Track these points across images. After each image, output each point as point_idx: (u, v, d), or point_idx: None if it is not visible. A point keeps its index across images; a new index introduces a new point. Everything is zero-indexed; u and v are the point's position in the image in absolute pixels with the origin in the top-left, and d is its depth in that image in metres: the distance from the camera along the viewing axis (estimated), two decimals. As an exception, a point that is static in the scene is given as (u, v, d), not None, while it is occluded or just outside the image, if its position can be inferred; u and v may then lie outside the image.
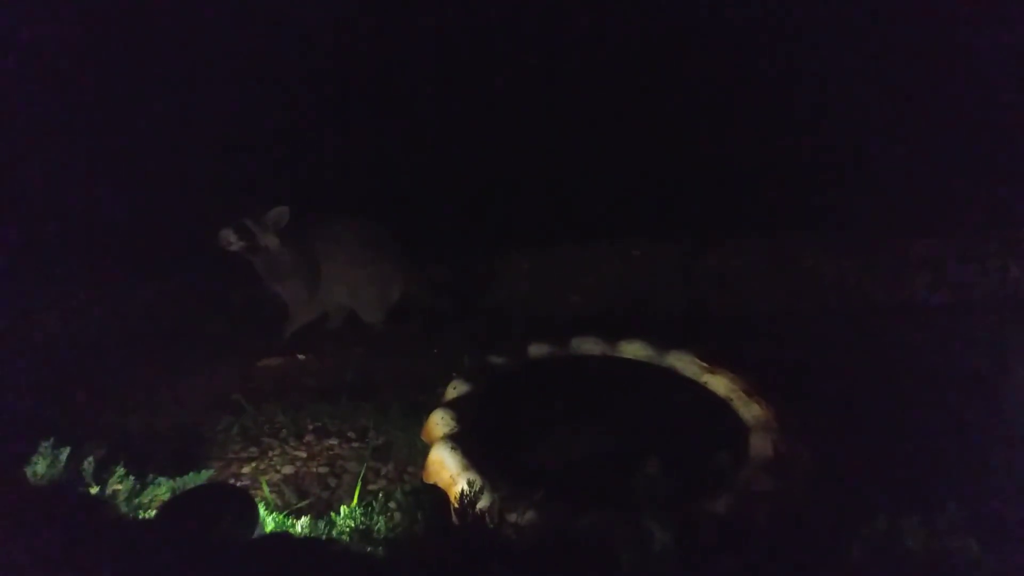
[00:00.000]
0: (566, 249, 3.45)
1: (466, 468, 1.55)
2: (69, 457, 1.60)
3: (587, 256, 3.41)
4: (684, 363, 2.04)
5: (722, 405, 1.87)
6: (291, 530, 1.53)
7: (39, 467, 1.57)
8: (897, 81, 3.82)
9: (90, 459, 1.61)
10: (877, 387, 2.15)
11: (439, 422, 1.77)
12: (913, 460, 1.72)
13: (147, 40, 3.66)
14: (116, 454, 1.68)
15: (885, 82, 3.84)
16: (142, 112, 3.68)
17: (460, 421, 1.76)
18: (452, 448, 1.61)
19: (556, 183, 3.86)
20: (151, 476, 1.65)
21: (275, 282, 2.72)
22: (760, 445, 1.64)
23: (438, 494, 1.53)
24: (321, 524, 1.53)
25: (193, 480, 1.67)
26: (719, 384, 1.93)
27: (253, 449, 2.02)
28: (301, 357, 2.69)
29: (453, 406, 1.83)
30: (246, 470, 1.92)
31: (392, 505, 1.55)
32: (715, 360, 2.01)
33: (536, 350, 2.18)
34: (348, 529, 1.49)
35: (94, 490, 1.57)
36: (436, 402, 1.92)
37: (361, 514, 1.53)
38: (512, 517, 1.37)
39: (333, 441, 2.06)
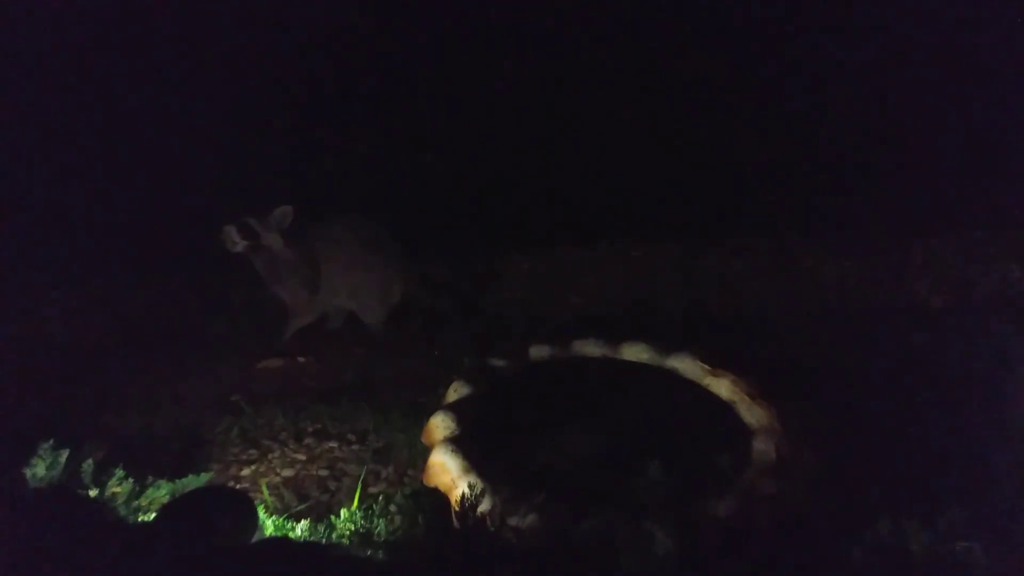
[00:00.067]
0: (567, 250, 3.45)
1: (467, 471, 1.54)
2: (68, 459, 1.60)
3: (588, 257, 3.40)
4: (686, 365, 2.04)
5: (724, 407, 1.86)
6: (291, 533, 1.52)
7: (38, 469, 1.56)
8: (897, 82, 3.82)
9: (89, 461, 1.61)
10: (879, 389, 2.14)
11: (440, 424, 1.76)
12: (915, 462, 1.71)
13: (149, 40, 3.66)
14: (115, 456, 1.67)
15: (885, 83, 3.84)
16: (144, 112, 3.68)
17: (461, 423, 1.75)
18: (453, 451, 1.61)
19: (557, 184, 3.86)
20: (150, 478, 1.64)
21: (275, 283, 2.71)
22: (762, 447, 1.63)
23: (439, 497, 1.53)
24: (321, 527, 1.52)
25: (192, 482, 1.66)
26: (721, 386, 1.92)
27: (253, 451, 2.01)
28: (301, 359, 2.68)
29: (454, 408, 1.82)
30: (246, 472, 1.92)
31: (392, 508, 1.55)
32: (716, 362, 2.00)
33: (537, 352, 2.17)
34: (348, 532, 1.49)
35: (93, 492, 1.57)
36: (437, 404, 1.91)
37: (361, 517, 1.52)
38: (513, 520, 1.36)
39: (333, 443, 2.06)
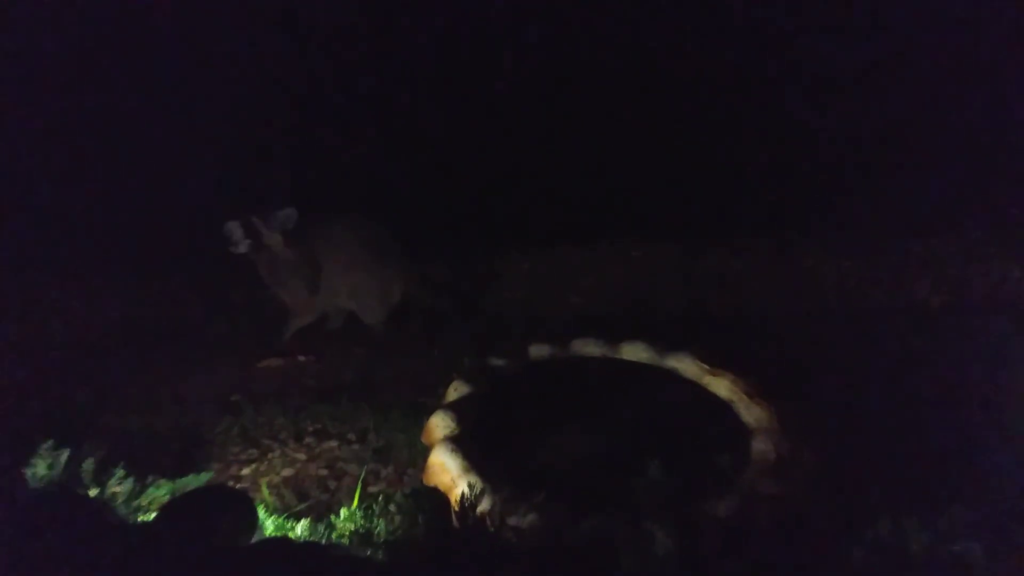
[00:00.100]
0: (566, 250, 3.45)
1: (467, 470, 1.54)
2: (69, 459, 1.60)
3: (587, 257, 3.41)
4: (685, 365, 2.04)
5: (723, 407, 1.87)
6: (291, 532, 1.52)
7: (39, 468, 1.56)
8: (897, 82, 3.82)
9: (90, 460, 1.61)
10: (878, 388, 2.14)
11: (439, 424, 1.76)
12: (915, 462, 1.71)
13: (150, 40, 3.66)
14: (116, 456, 1.67)
15: (885, 83, 3.84)
16: (144, 112, 3.68)
17: (461, 423, 1.75)
18: (453, 450, 1.61)
19: (557, 184, 3.86)
20: (151, 478, 1.64)
21: (276, 283, 2.72)
22: (762, 447, 1.64)
23: (438, 496, 1.53)
24: (321, 527, 1.52)
25: (193, 482, 1.66)
26: (720, 386, 1.93)
27: (253, 451, 2.01)
28: (301, 358, 2.68)
29: (454, 408, 1.83)
30: (246, 472, 1.92)
31: (392, 507, 1.54)
32: (716, 362, 2.01)
33: (536, 352, 2.18)
34: (348, 532, 1.49)
35: (93, 492, 1.57)
36: (436, 404, 1.91)
37: (361, 516, 1.52)
38: (513, 520, 1.36)
39: (333, 443, 2.06)
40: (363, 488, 1.79)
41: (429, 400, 2.15)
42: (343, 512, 1.55)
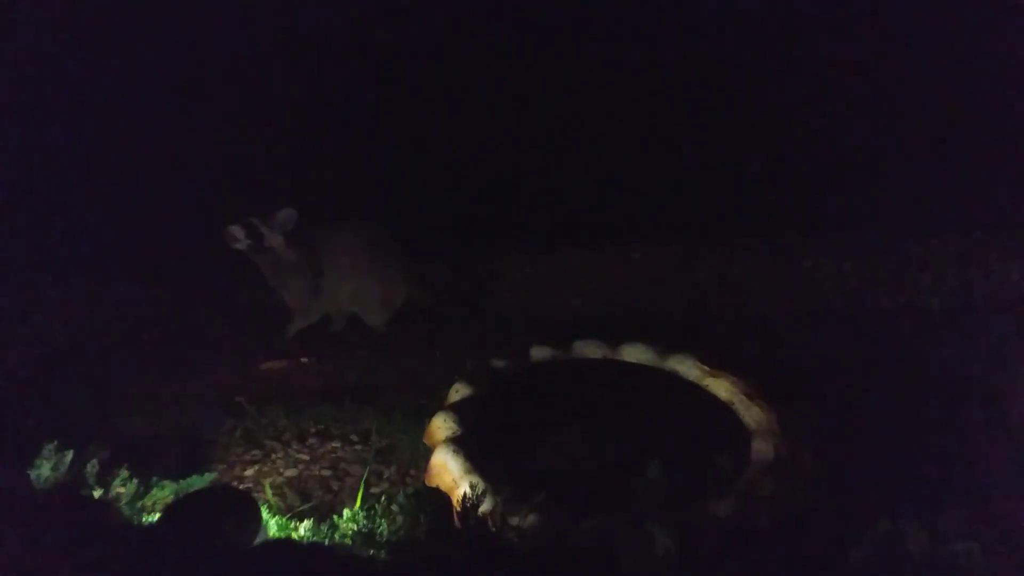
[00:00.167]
0: (567, 252, 3.45)
1: (468, 471, 1.55)
2: (73, 460, 1.61)
3: (588, 259, 3.41)
4: (685, 366, 2.05)
5: (723, 408, 1.87)
6: (294, 533, 1.53)
7: (43, 470, 1.57)
8: (897, 83, 3.83)
9: (94, 462, 1.62)
10: (878, 390, 2.15)
11: (441, 425, 1.77)
12: (915, 463, 1.72)
13: (152, 41, 3.67)
14: (120, 457, 1.69)
15: (885, 84, 3.85)
16: (146, 113, 3.70)
17: (462, 424, 1.76)
18: (454, 451, 1.62)
19: (557, 186, 3.87)
20: (154, 479, 1.66)
21: (278, 284, 2.74)
22: (761, 448, 1.64)
23: (440, 497, 1.54)
24: (324, 527, 1.53)
25: (196, 483, 1.67)
26: (720, 387, 1.93)
27: (256, 452, 2.03)
28: (304, 360, 2.69)
29: (455, 409, 1.84)
30: (249, 472, 1.93)
31: (395, 508, 1.55)
32: (716, 363, 2.01)
33: (538, 353, 2.18)
34: (351, 532, 1.50)
35: (98, 493, 1.58)
36: (438, 405, 1.92)
37: (364, 517, 1.53)
38: (514, 520, 1.37)
39: (336, 444, 2.07)
40: (366, 489, 1.80)
41: (431, 401, 2.16)
42: (346, 512, 1.56)
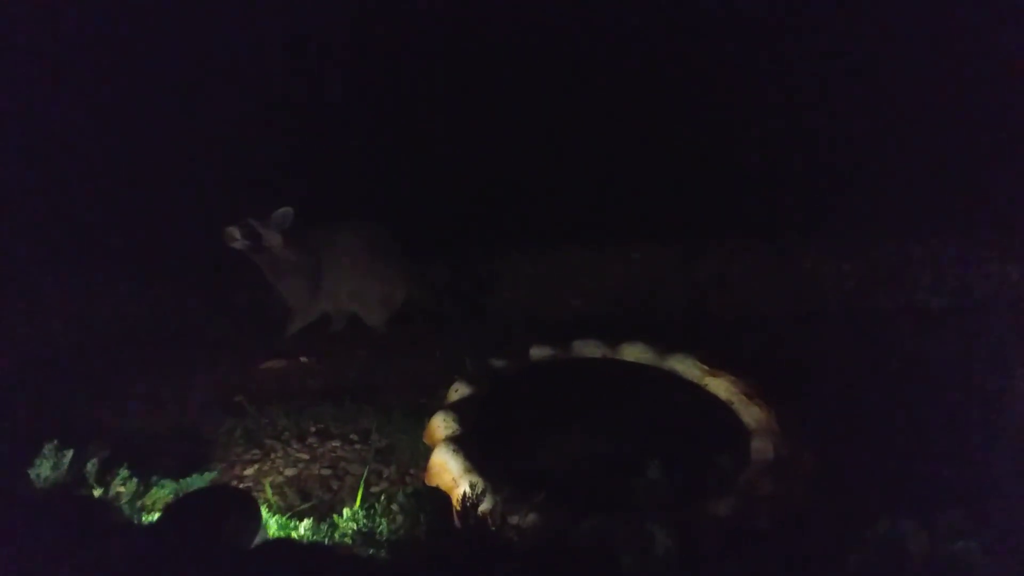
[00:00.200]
0: (567, 252, 3.46)
1: (468, 470, 1.55)
2: (72, 459, 1.61)
3: (588, 259, 3.41)
4: (685, 366, 2.05)
5: (723, 408, 1.87)
6: (294, 532, 1.53)
7: (43, 469, 1.57)
8: (896, 82, 3.83)
9: (93, 461, 1.62)
10: (878, 389, 2.15)
11: (441, 424, 1.77)
12: (915, 463, 1.72)
13: (152, 40, 3.67)
14: (119, 456, 1.68)
15: (884, 83, 3.85)
16: (146, 113, 3.69)
17: (462, 423, 1.76)
18: (454, 450, 1.62)
19: (557, 185, 3.87)
20: (154, 478, 1.65)
21: (278, 283, 2.74)
22: (761, 448, 1.64)
23: (440, 496, 1.54)
24: (323, 526, 1.53)
25: (196, 482, 1.67)
26: (720, 387, 1.93)
27: (256, 451, 2.03)
28: (304, 360, 2.69)
29: (455, 408, 1.84)
30: (249, 472, 1.93)
31: (394, 507, 1.55)
32: (716, 363, 2.01)
33: (537, 353, 2.19)
34: (351, 531, 1.50)
35: (97, 492, 1.58)
36: (438, 405, 1.92)
37: (363, 516, 1.53)
38: (514, 520, 1.37)
39: (336, 443, 2.07)
40: (365, 488, 1.80)
41: (431, 401, 2.16)
42: (346, 512, 1.56)
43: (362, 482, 1.81)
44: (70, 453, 1.61)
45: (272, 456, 2.00)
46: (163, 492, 1.61)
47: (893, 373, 2.30)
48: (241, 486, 1.84)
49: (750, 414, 1.79)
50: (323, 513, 1.66)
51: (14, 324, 2.87)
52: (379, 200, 3.38)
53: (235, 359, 2.69)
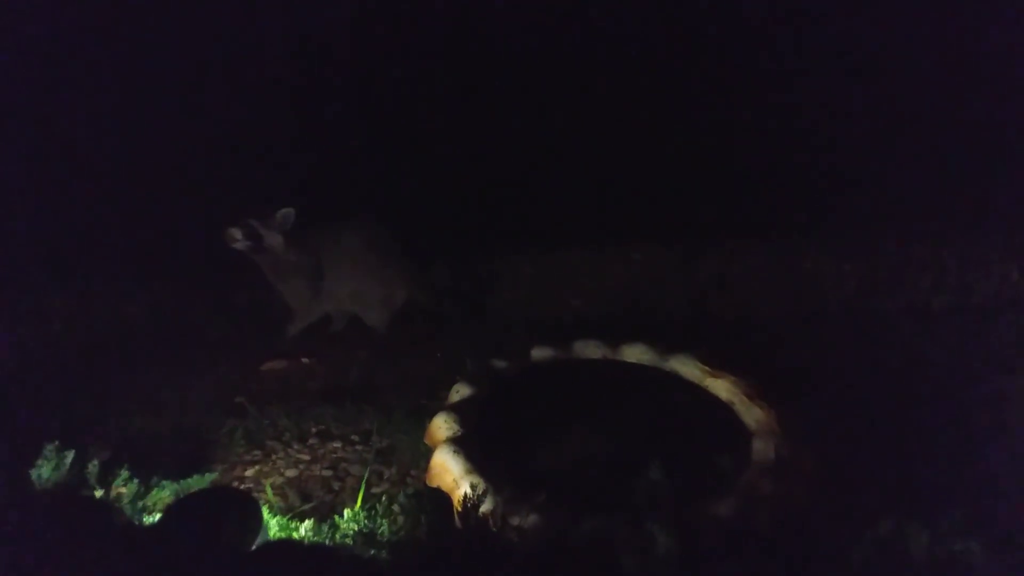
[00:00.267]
0: (568, 253, 3.46)
1: (469, 471, 1.55)
2: (74, 460, 1.61)
3: (588, 260, 3.41)
4: (686, 367, 2.05)
5: (724, 409, 1.87)
6: (295, 533, 1.53)
7: (44, 470, 1.57)
8: (897, 83, 3.83)
9: (95, 462, 1.62)
10: (879, 390, 2.15)
11: (442, 425, 1.77)
12: (915, 463, 1.72)
13: (152, 40, 3.68)
14: (120, 457, 1.69)
15: (885, 84, 3.85)
16: (147, 113, 3.70)
17: (463, 424, 1.76)
18: (455, 451, 1.62)
19: (557, 186, 3.88)
20: (155, 479, 1.66)
21: (279, 283, 2.75)
22: (762, 449, 1.64)
23: (441, 497, 1.54)
24: (324, 527, 1.53)
25: (197, 483, 1.68)
26: (721, 388, 1.93)
27: (257, 452, 2.03)
28: (305, 360, 2.70)
29: (456, 409, 1.84)
30: (250, 473, 1.93)
31: (395, 508, 1.55)
32: (717, 363, 2.01)
33: (538, 354, 2.18)
34: (351, 532, 1.50)
35: (99, 493, 1.58)
36: (439, 405, 1.92)
37: (364, 517, 1.53)
38: (515, 520, 1.37)
39: (336, 444, 2.07)
40: (366, 489, 1.80)
41: (432, 402, 2.16)
42: (347, 513, 1.56)
43: (363, 483, 1.81)
44: (71, 454, 1.61)
45: (273, 457, 2.00)
46: (164, 493, 1.61)
47: (894, 373, 2.30)
48: (242, 487, 1.84)
49: (751, 415, 1.79)
50: (324, 514, 1.66)
51: (15, 324, 2.87)
52: (380, 200, 3.38)
53: (236, 360, 2.69)
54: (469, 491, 1.45)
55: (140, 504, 1.58)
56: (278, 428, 2.15)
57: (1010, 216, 3.32)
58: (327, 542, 1.48)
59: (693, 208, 3.69)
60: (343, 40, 3.92)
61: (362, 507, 1.60)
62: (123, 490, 1.59)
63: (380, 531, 1.48)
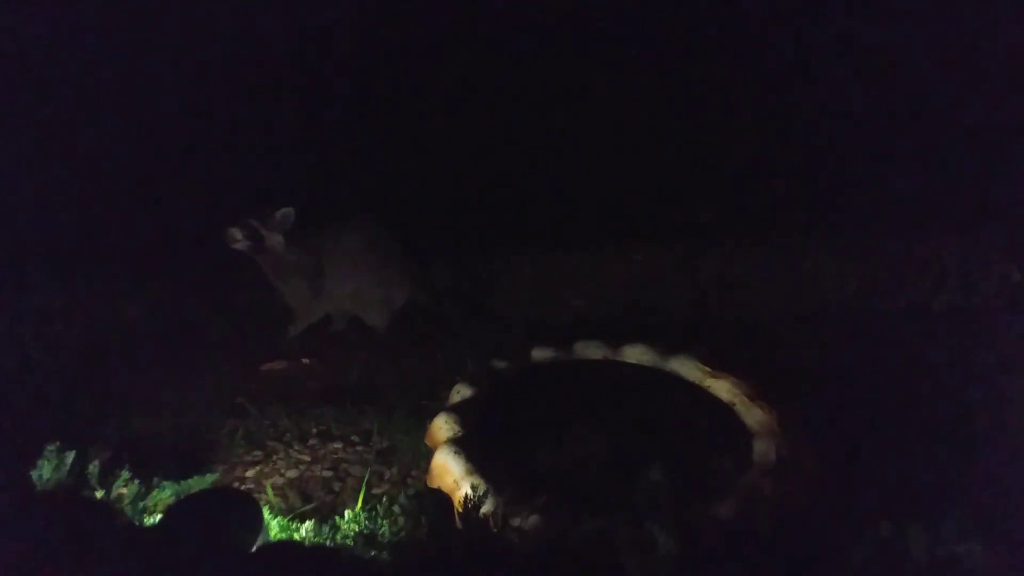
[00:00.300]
0: (568, 253, 3.46)
1: (470, 472, 1.55)
2: (74, 460, 1.61)
3: (589, 260, 3.41)
4: (687, 367, 2.05)
5: (725, 409, 1.87)
6: (295, 534, 1.53)
7: (44, 471, 1.58)
8: (897, 82, 3.83)
9: (95, 462, 1.62)
10: (879, 391, 2.15)
11: (443, 426, 1.77)
12: (916, 464, 1.72)
13: (151, 40, 3.68)
14: (121, 457, 1.69)
15: (885, 83, 3.85)
16: (147, 113, 3.70)
17: (464, 425, 1.76)
18: (456, 452, 1.62)
19: (558, 187, 3.88)
20: (156, 479, 1.66)
21: (280, 283, 2.74)
22: (763, 450, 1.64)
23: (442, 498, 1.54)
24: (325, 528, 1.54)
25: (198, 484, 1.68)
26: (722, 388, 1.93)
27: (257, 453, 2.03)
28: (305, 361, 2.70)
29: (457, 410, 1.84)
30: (250, 473, 1.93)
31: (396, 509, 1.56)
32: (717, 364, 2.01)
33: (539, 354, 2.18)
34: (352, 533, 1.50)
35: (99, 493, 1.58)
36: (440, 406, 1.92)
37: (365, 518, 1.54)
38: (515, 521, 1.37)
39: (337, 445, 2.07)
40: (367, 490, 1.80)
41: (432, 402, 2.16)
42: (347, 513, 1.56)
43: (364, 484, 1.81)
44: (72, 454, 1.61)
45: (273, 458, 2.00)
46: (164, 494, 1.61)
47: (894, 374, 2.30)
48: (242, 488, 1.84)
49: (752, 416, 1.79)
50: (325, 515, 1.66)
51: (15, 325, 2.87)
52: (380, 201, 3.38)
53: (236, 360, 2.69)
54: (470, 492, 1.45)
55: (141, 505, 1.58)
56: (279, 429, 2.15)
57: (1010, 216, 3.32)
58: (328, 543, 1.48)
59: (693, 208, 3.69)
60: (343, 40, 3.92)
61: (363, 508, 1.60)
62: (124, 491, 1.59)
63: (381, 532, 1.48)
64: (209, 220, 2.60)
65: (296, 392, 2.43)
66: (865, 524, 1.28)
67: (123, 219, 3.51)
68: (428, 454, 1.72)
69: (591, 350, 2.20)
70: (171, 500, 1.59)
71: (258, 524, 1.41)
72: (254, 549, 1.34)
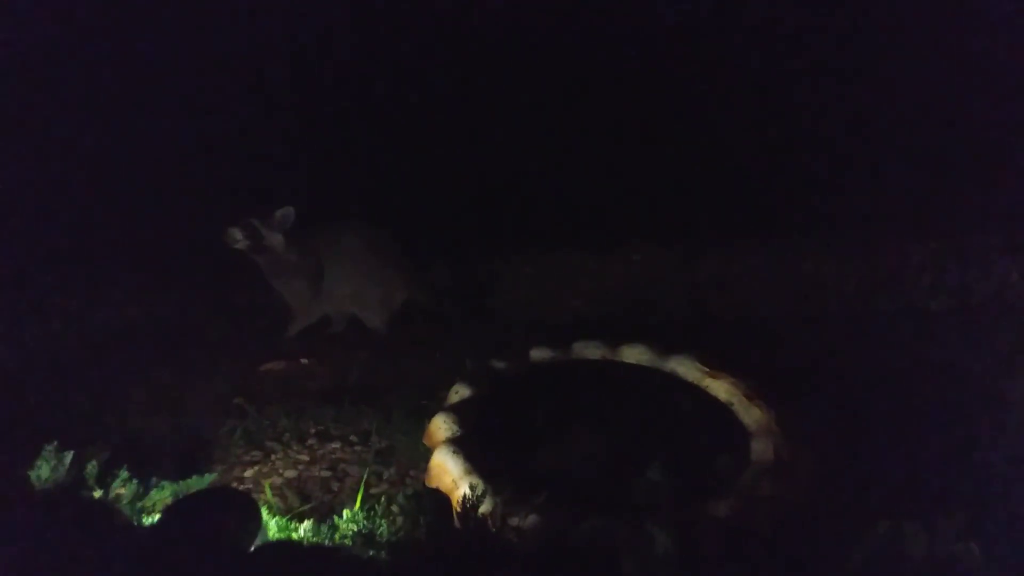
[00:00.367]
0: (567, 254, 3.46)
1: (468, 472, 1.55)
2: (72, 460, 1.61)
3: (588, 261, 3.41)
4: (685, 367, 2.05)
5: (723, 409, 1.87)
6: (294, 534, 1.53)
7: (43, 470, 1.57)
8: (897, 83, 3.84)
9: (93, 462, 1.62)
10: (878, 391, 2.15)
11: (441, 426, 1.77)
12: (915, 464, 1.72)
13: (151, 41, 3.68)
14: (119, 457, 1.68)
15: (885, 84, 3.85)
16: (146, 113, 3.71)
17: (462, 425, 1.76)
18: (454, 452, 1.62)
19: (558, 187, 3.88)
20: (154, 479, 1.65)
21: (279, 283, 2.75)
22: (761, 449, 1.64)
23: (440, 498, 1.54)
24: (324, 528, 1.53)
25: (196, 484, 1.67)
26: (720, 388, 1.93)
27: (256, 453, 2.03)
28: (304, 361, 2.70)
29: (455, 410, 1.84)
30: (249, 473, 1.93)
31: (394, 509, 1.55)
32: (716, 364, 2.01)
33: (538, 354, 2.18)
34: (351, 533, 1.50)
35: (97, 493, 1.58)
36: (438, 406, 1.92)
37: (364, 518, 1.53)
38: (514, 521, 1.37)
39: (336, 445, 2.07)
40: (365, 490, 1.80)
41: (431, 402, 2.16)
42: (346, 513, 1.56)
43: (362, 484, 1.81)
44: (70, 455, 1.61)
45: (272, 458, 2.00)
46: (163, 494, 1.61)
47: (893, 374, 2.30)
48: (241, 488, 1.83)
49: (750, 415, 1.79)
50: (323, 515, 1.66)
51: (14, 325, 2.88)
52: (380, 201, 3.38)
53: (235, 360, 2.69)
54: (468, 492, 1.45)
55: (139, 505, 1.58)
56: (277, 429, 2.15)
57: (1010, 216, 3.32)
58: (326, 543, 1.48)
59: (693, 208, 3.69)
60: (343, 40, 3.92)
61: (361, 508, 1.60)
62: (122, 491, 1.59)
63: (379, 532, 1.48)
64: (209, 220, 2.60)
65: (295, 392, 2.43)
66: (864, 524, 1.28)
67: (123, 219, 3.51)
68: (427, 454, 1.72)
69: (590, 350, 2.20)
70: (170, 500, 1.59)
71: (256, 524, 1.41)
72: (252, 549, 1.34)
